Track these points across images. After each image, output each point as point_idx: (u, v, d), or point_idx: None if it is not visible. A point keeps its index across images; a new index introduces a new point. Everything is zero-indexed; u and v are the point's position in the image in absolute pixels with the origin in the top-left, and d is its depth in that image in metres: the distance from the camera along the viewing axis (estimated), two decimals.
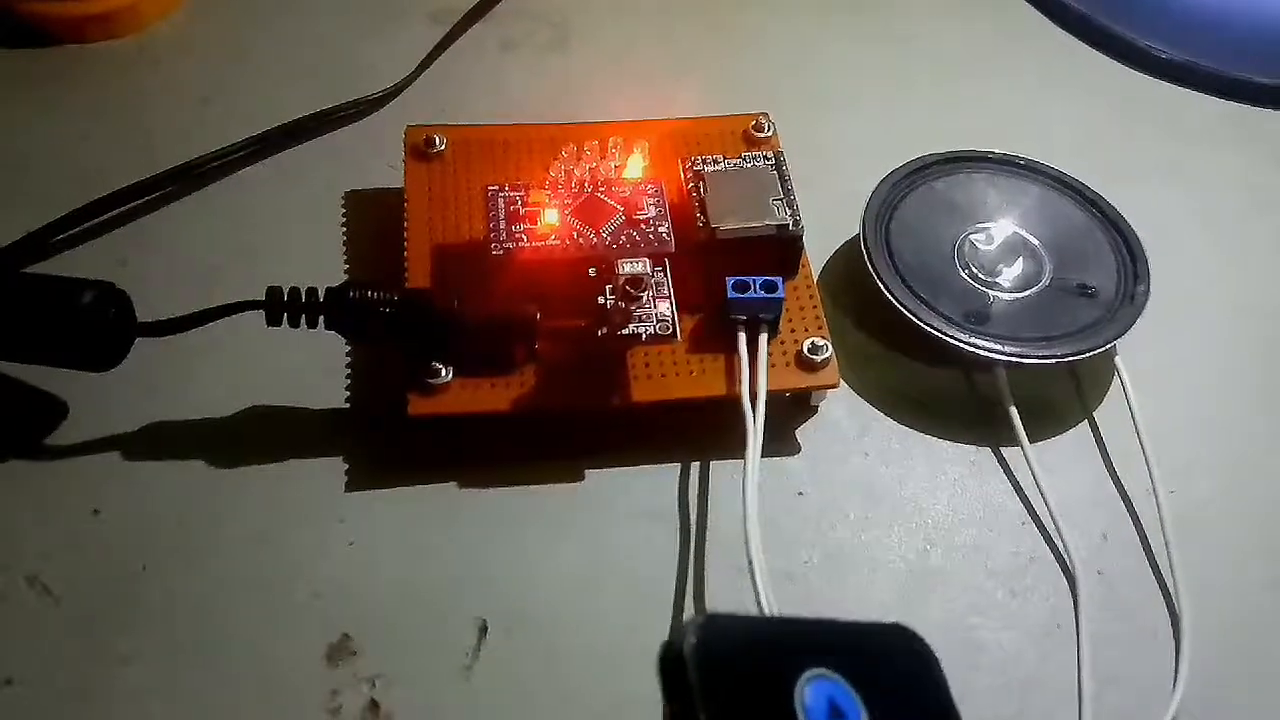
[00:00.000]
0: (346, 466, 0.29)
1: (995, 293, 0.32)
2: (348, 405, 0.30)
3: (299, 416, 0.30)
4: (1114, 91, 0.41)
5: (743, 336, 0.29)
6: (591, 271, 0.29)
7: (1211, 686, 0.27)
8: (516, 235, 0.29)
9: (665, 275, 0.29)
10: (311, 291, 0.28)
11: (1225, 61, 0.41)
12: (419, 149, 0.33)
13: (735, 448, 0.28)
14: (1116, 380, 0.31)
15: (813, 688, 0.14)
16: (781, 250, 0.31)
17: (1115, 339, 0.31)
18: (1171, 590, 0.28)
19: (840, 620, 0.16)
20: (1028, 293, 0.32)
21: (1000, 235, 0.33)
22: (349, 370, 0.31)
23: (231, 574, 0.27)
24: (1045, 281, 0.32)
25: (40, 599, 0.26)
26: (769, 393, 0.29)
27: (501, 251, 0.29)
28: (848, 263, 0.34)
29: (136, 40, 0.40)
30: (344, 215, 0.34)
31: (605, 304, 0.28)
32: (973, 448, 0.31)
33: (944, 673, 0.16)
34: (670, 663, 0.14)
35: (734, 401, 0.28)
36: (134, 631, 0.26)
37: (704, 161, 0.32)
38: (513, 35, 0.41)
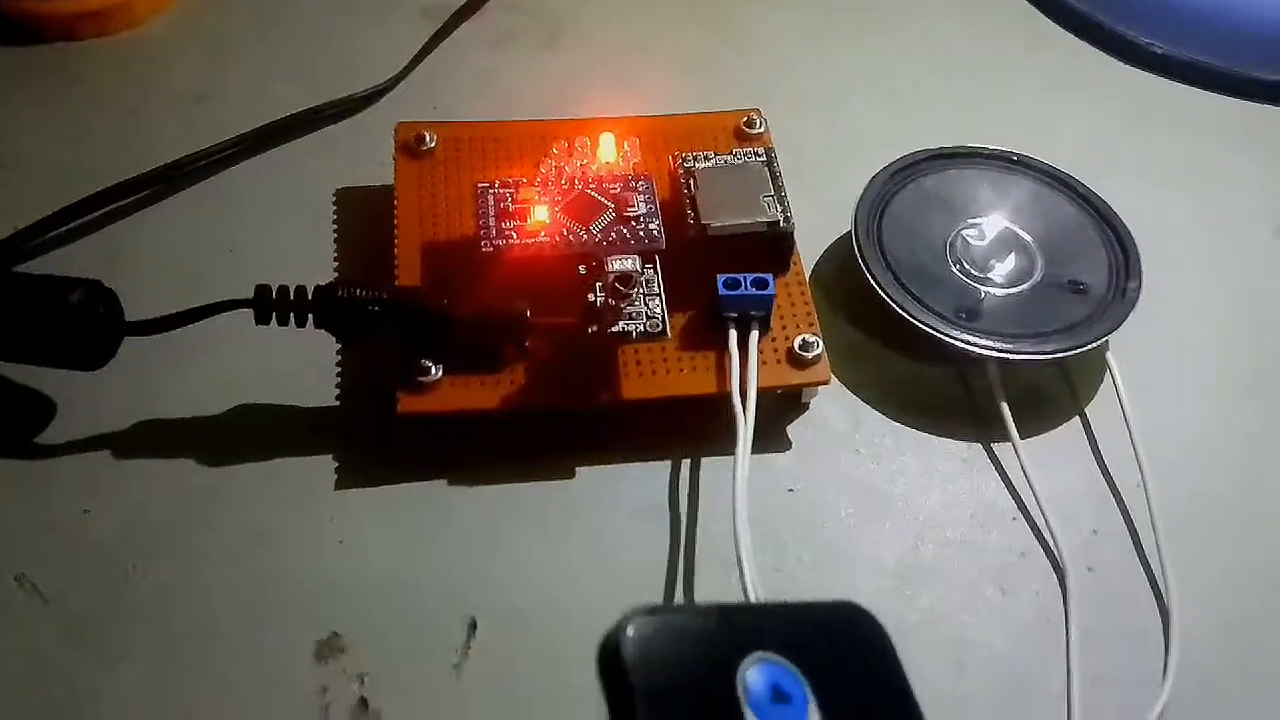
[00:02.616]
0: (336, 465, 0.29)
1: (987, 288, 0.32)
2: (338, 404, 0.30)
3: (289, 415, 0.30)
4: (1110, 88, 0.41)
5: (734, 334, 0.29)
6: (581, 269, 0.29)
7: (1201, 683, 0.27)
8: (506, 232, 0.29)
9: (656, 272, 0.29)
10: (300, 290, 0.28)
11: (1223, 57, 0.41)
12: (409, 146, 0.33)
13: (726, 444, 0.28)
14: (1108, 376, 0.31)
15: (754, 672, 0.14)
16: (772, 247, 0.30)
17: (1106, 335, 0.31)
18: (1161, 586, 0.28)
19: (785, 602, 0.16)
20: (1020, 288, 0.32)
21: (992, 231, 0.33)
22: (339, 369, 0.31)
23: (221, 572, 0.27)
24: (1037, 277, 0.32)
25: (30, 598, 0.26)
26: (760, 390, 0.29)
27: (491, 248, 0.29)
28: (840, 259, 0.34)
29: (128, 38, 0.40)
30: (335, 212, 0.34)
31: (595, 301, 0.28)
32: (964, 444, 0.31)
33: (894, 647, 0.16)
34: (608, 659, 0.14)
35: (725, 398, 0.28)
36: (124, 630, 0.26)
37: (695, 158, 0.32)
38: (504, 32, 0.41)
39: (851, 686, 0.14)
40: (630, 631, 0.14)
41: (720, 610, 0.15)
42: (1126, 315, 0.31)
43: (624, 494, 0.29)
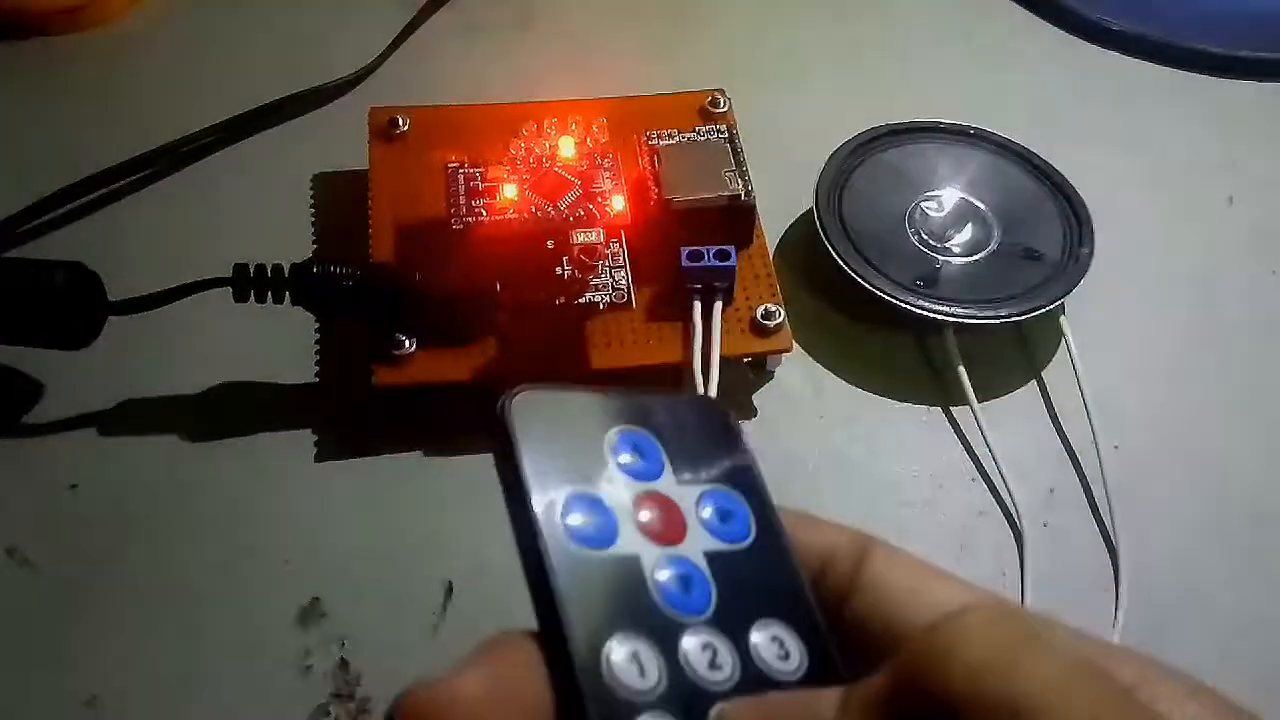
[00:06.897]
0: (315, 438, 0.30)
1: (945, 258, 0.33)
2: (316, 379, 0.31)
3: (269, 391, 0.31)
4: (1064, 62, 0.42)
5: (697, 304, 0.30)
6: (549, 243, 0.30)
7: (1149, 630, 0.28)
8: (476, 210, 0.30)
9: (621, 246, 0.30)
10: (277, 268, 0.29)
11: (1175, 32, 0.42)
12: (383, 130, 0.34)
13: None
14: (1062, 341, 0.32)
15: (618, 436, 0.16)
16: (735, 220, 0.31)
17: (1060, 299, 0.32)
18: (1113, 540, 0.29)
19: (649, 391, 0.17)
20: (977, 257, 0.33)
21: (950, 202, 0.34)
22: (317, 345, 0.31)
23: (206, 542, 0.28)
24: (993, 246, 0.33)
25: (20, 569, 0.27)
26: (723, 357, 0.29)
27: (461, 225, 0.30)
28: (803, 233, 0.35)
29: (106, 31, 0.40)
30: (312, 197, 0.35)
31: (562, 274, 0.29)
32: (924, 408, 0.32)
33: (742, 432, 0.18)
34: (496, 424, 0.16)
35: (690, 367, 0.29)
36: (112, 600, 0.27)
37: (659, 136, 0.33)
38: (477, 18, 0.42)
39: (702, 455, 0.17)
40: (513, 398, 0.16)
41: (592, 391, 0.17)
42: (1079, 280, 0.32)
43: None
